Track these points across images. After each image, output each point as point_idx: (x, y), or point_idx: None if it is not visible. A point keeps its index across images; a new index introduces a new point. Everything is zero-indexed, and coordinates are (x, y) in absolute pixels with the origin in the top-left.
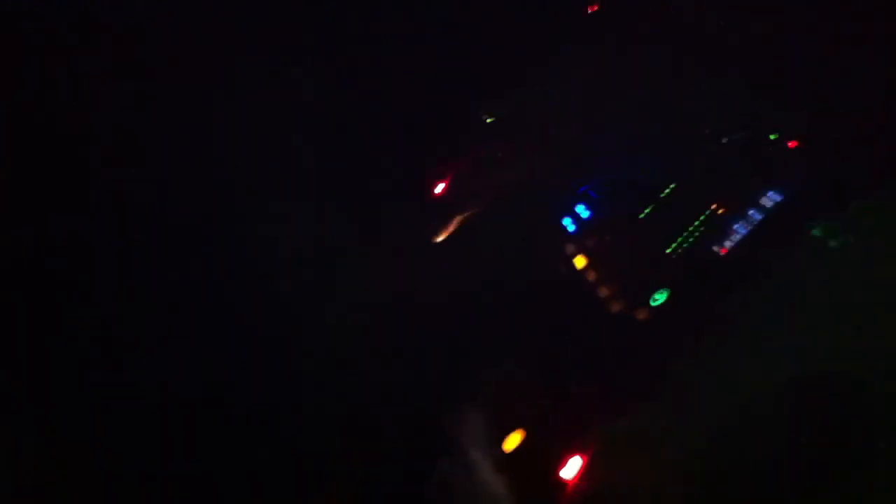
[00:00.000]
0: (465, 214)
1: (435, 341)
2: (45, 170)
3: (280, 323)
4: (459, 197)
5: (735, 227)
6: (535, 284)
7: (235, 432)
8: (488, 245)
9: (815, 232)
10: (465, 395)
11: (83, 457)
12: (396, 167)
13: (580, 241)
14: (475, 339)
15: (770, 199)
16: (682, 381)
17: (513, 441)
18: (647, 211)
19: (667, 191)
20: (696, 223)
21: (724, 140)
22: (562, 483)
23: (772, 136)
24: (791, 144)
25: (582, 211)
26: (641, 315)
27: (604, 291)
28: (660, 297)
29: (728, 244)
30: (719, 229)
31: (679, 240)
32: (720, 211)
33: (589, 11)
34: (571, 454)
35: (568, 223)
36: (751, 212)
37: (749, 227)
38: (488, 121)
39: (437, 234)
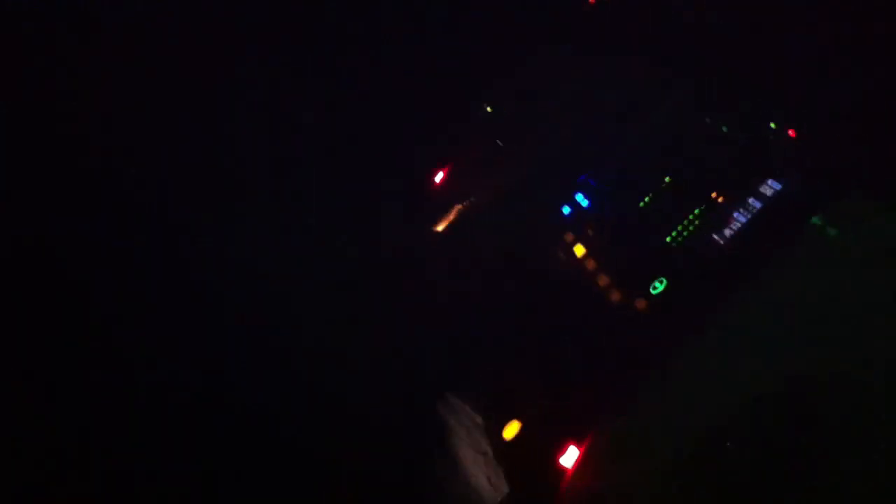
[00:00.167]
0: (465, 205)
1: (435, 332)
2: (45, 170)
3: (279, 322)
4: (459, 188)
5: (735, 215)
6: (534, 274)
7: (235, 432)
8: (487, 235)
9: (815, 221)
10: (463, 383)
11: (83, 457)
12: (395, 162)
13: (580, 230)
14: (474, 329)
15: (769, 187)
16: (680, 372)
17: (511, 430)
18: (646, 200)
19: (666, 180)
20: (696, 212)
21: (724, 129)
22: (560, 471)
23: (771, 125)
24: (791, 133)
25: (581, 200)
26: (640, 304)
27: (603, 280)
28: (659, 287)
29: (728, 233)
30: (719, 218)
31: (679, 228)
32: (720, 200)
33: (591, 2)
34: (569, 444)
35: (567, 212)
36: (750, 200)
37: (749, 216)
38: (488, 109)
39: (436, 225)
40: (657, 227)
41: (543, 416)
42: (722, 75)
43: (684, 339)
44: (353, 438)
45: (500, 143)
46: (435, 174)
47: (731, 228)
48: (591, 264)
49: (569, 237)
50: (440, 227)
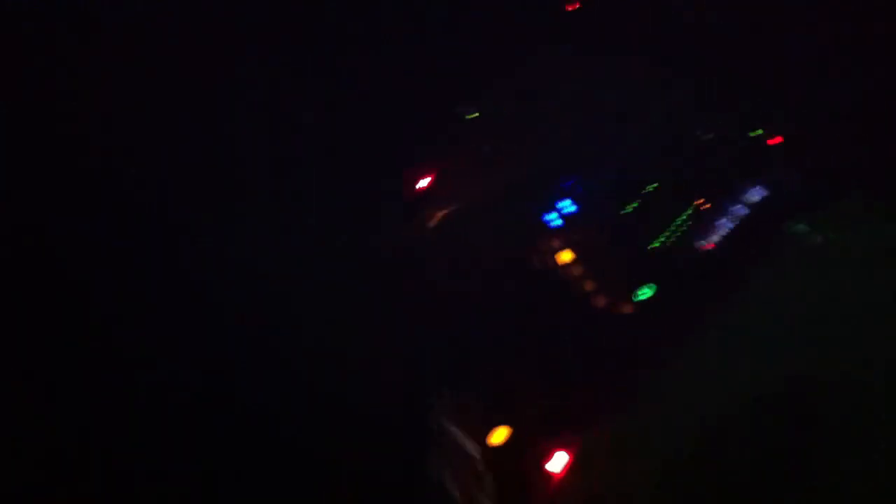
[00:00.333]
0: (450, 210)
1: (435, 332)
2: (45, 170)
3: (279, 322)
4: (444, 193)
5: (719, 222)
6: (519, 279)
7: (235, 432)
8: (472, 240)
9: (799, 227)
10: (463, 384)
11: (83, 457)
12: (395, 162)
13: (565, 236)
14: (474, 330)
15: (753, 194)
16: (680, 372)
17: (499, 436)
18: (631, 206)
19: (651, 186)
20: (681, 219)
21: (708, 136)
22: (548, 477)
23: (754, 133)
24: (773, 141)
25: (567, 206)
26: (625, 310)
27: (588, 286)
28: (644, 293)
29: (712, 239)
30: (703, 225)
31: (663, 235)
32: (704, 206)
33: (568, 9)
34: (557, 449)
35: (553, 218)
36: (734, 207)
37: (733, 223)
38: (469, 117)
39: (436, 225)
40: (642, 234)
41: (537, 420)
42: (722, 75)
43: (682, 339)
44: (353, 438)
45: (486, 150)
46: (421, 181)
47: (715, 235)
48: (576, 270)
49: (554, 243)
50: (440, 228)
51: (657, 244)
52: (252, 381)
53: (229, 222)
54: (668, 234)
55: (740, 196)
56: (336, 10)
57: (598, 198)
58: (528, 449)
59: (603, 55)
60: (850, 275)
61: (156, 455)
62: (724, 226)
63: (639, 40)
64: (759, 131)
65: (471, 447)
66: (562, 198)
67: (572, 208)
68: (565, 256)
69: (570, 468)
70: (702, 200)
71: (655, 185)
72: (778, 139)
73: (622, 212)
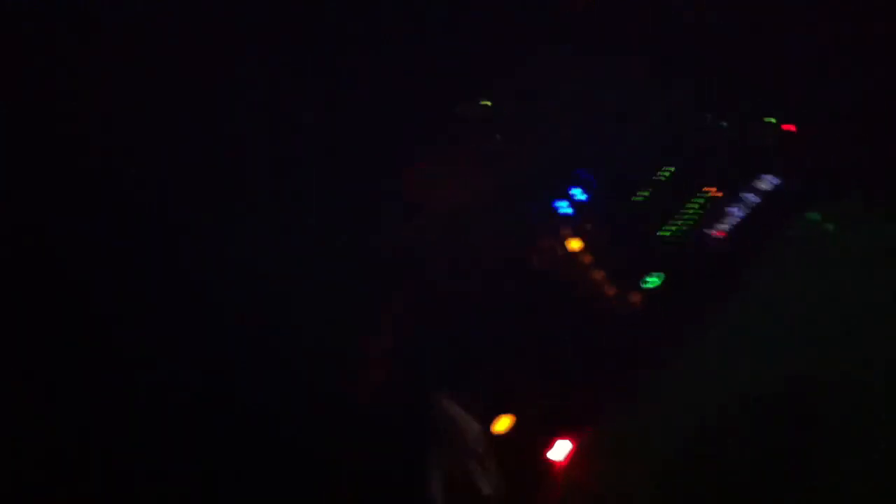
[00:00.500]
0: (450, 210)
1: (435, 332)
2: (45, 170)
3: (279, 322)
4: (444, 193)
5: (731, 210)
6: (519, 279)
7: (235, 432)
8: (472, 240)
9: (812, 216)
10: (463, 382)
11: (83, 457)
12: (395, 162)
13: (575, 224)
14: (474, 328)
15: (766, 182)
16: (680, 372)
17: (502, 424)
18: (642, 194)
19: (663, 174)
20: (692, 207)
21: (721, 124)
22: (551, 466)
23: (770, 120)
24: (787, 128)
25: (577, 194)
26: (634, 299)
27: (598, 274)
28: (653, 281)
29: (724, 228)
30: (715, 213)
31: (675, 224)
32: (716, 195)
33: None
34: (561, 438)
35: (563, 206)
36: (747, 195)
37: (745, 211)
38: (481, 103)
39: (422, 229)
40: (653, 222)
41: (538, 411)
42: (722, 75)
43: (683, 337)
44: (353, 438)
45: (499, 138)
46: (426, 172)
47: (727, 223)
48: (586, 258)
49: (565, 232)
50: (440, 228)
51: (668, 232)
52: (252, 381)
53: (229, 222)
54: (679, 222)
55: (753, 184)
56: (336, 10)
57: (608, 186)
58: (531, 437)
59: (603, 55)
60: (850, 275)
61: (156, 455)
62: (736, 214)
63: (639, 40)
64: (773, 119)
65: (473, 435)
66: (573, 185)
67: (583, 196)
68: (575, 244)
69: (572, 462)
70: (713, 189)
71: (668, 171)
72: (792, 127)
73: (633, 199)
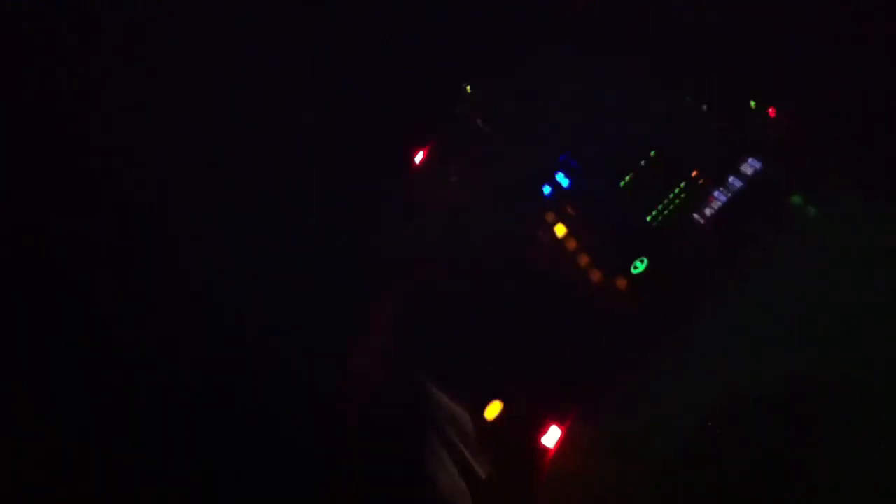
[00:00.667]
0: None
1: (434, 332)
2: (45, 170)
3: (279, 322)
4: (440, 170)
5: (715, 194)
6: (519, 279)
7: (235, 432)
8: (472, 240)
9: (795, 200)
10: (462, 381)
11: (83, 457)
12: (395, 162)
13: (560, 209)
14: (460, 334)
15: (750, 166)
16: (679, 371)
17: (492, 410)
18: (627, 179)
19: (647, 158)
20: (677, 191)
21: (704, 107)
22: (541, 451)
23: (752, 104)
24: (771, 112)
25: (562, 179)
26: (621, 283)
27: (584, 260)
28: (640, 266)
29: (708, 212)
30: (700, 197)
31: (659, 208)
32: (700, 179)
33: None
34: (551, 424)
35: (548, 191)
36: (731, 179)
37: (729, 195)
38: (468, 88)
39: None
40: (638, 207)
41: (528, 398)
42: (722, 75)
43: (683, 336)
44: (352, 438)
45: (480, 125)
46: (416, 157)
47: (711, 207)
48: (571, 244)
49: (549, 217)
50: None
51: (653, 217)
52: (252, 381)
53: (229, 222)
54: (664, 206)
55: (738, 169)
56: (336, 10)
57: (593, 170)
58: (522, 423)
59: (603, 55)
60: (850, 275)
61: (156, 455)
62: (721, 199)
63: (639, 40)
64: (760, 103)
65: (465, 422)
66: (556, 170)
67: (566, 181)
68: (562, 230)
69: (571, 461)
70: (697, 173)
71: (655, 155)
72: (779, 111)
73: (617, 184)
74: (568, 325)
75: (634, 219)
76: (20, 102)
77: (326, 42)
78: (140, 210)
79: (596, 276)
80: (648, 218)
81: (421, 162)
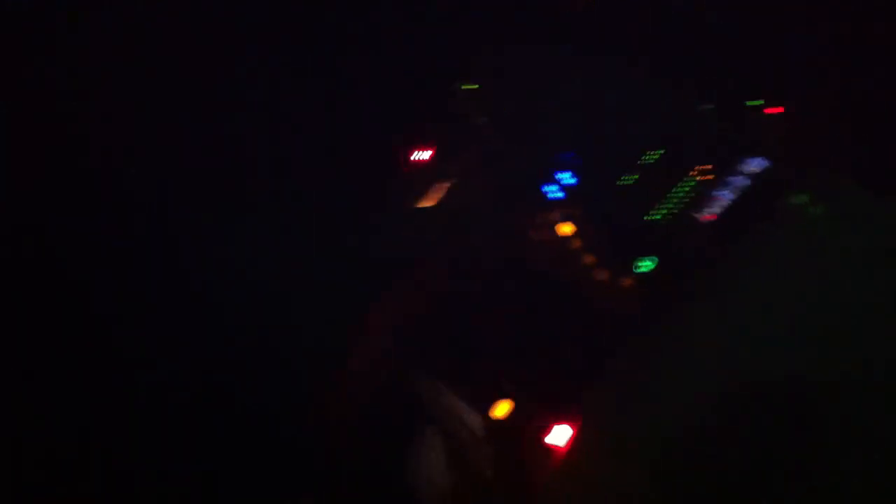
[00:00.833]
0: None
1: (435, 332)
2: (45, 170)
3: (279, 322)
4: (440, 167)
5: (718, 193)
6: (519, 279)
7: (235, 432)
8: (472, 240)
9: (797, 199)
10: (462, 379)
11: (83, 457)
12: (395, 162)
13: (564, 208)
14: (460, 334)
15: (752, 165)
16: (680, 371)
17: (501, 409)
18: (630, 178)
19: (650, 158)
20: (680, 190)
21: (707, 107)
22: (551, 451)
23: (754, 103)
24: (772, 111)
25: (566, 178)
26: (626, 282)
27: (588, 259)
28: (644, 265)
29: (711, 211)
30: (703, 196)
31: (663, 207)
32: (703, 177)
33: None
34: (559, 423)
35: (552, 190)
36: (731, 178)
37: (732, 194)
38: (463, 88)
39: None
40: (641, 206)
41: (533, 394)
42: (722, 75)
43: (683, 338)
44: (352, 438)
45: (488, 149)
46: (414, 154)
47: (714, 206)
48: (575, 243)
49: (553, 216)
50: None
51: (657, 216)
52: (252, 381)
53: (229, 222)
54: (668, 205)
55: (739, 168)
56: (336, 10)
57: (596, 169)
58: (529, 422)
59: (603, 55)
60: (850, 275)
61: (156, 455)
62: (726, 197)
63: (639, 40)
64: (759, 101)
65: (469, 421)
66: (560, 170)
67: (570, 181)
68: (565, 229)
69: (571, 458)
70: (697, 172)
71: (657, 153)
72: (779, 109)
73: (621, 182)
74: (568, 325)
75: (638, 218)
76: (20, 102)
77: (326, 42)
78: (140, 210)
79: (599, 274)
80: (652, 217)
81: (421, 162)
